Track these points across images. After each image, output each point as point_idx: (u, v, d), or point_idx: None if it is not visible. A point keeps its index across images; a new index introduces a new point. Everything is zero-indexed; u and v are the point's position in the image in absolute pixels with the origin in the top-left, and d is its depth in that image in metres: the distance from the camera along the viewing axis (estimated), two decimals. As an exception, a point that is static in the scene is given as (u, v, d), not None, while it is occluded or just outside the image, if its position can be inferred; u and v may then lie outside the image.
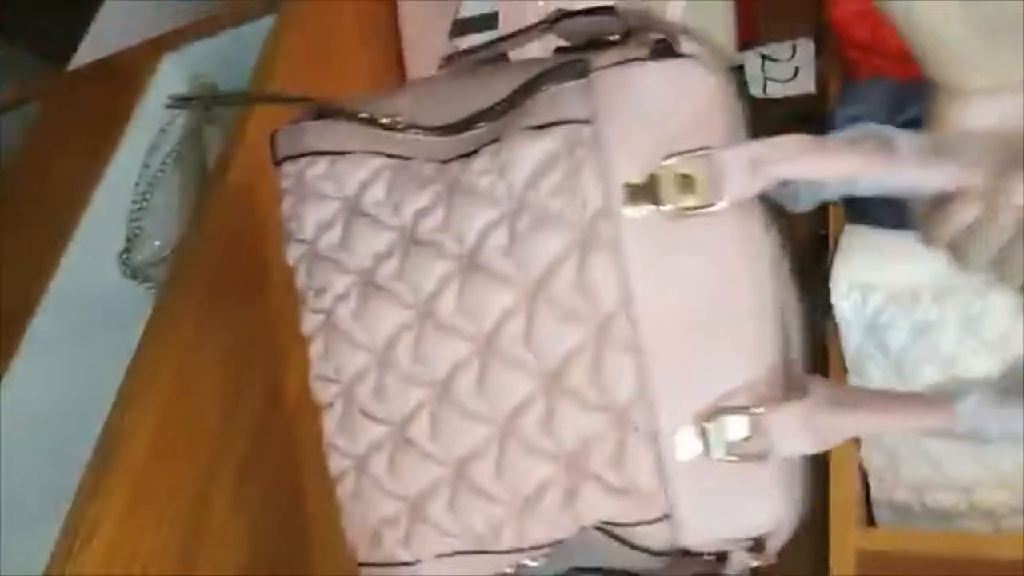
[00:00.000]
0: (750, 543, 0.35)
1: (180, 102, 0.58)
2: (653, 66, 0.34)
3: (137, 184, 0.65)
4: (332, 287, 0.40)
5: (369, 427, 0.39)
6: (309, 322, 0.41)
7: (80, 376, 0.55)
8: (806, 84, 0.64)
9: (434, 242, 0.38)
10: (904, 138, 0.33)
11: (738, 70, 0.64)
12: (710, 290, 0.33)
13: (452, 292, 0.37)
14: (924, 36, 0.34)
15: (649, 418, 0.34)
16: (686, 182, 0.33)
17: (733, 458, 0.33)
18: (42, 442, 0.55)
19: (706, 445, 0.33)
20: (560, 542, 0.37)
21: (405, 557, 0.39)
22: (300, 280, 0.41)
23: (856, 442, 0.46)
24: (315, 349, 0.41)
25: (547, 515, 0.36)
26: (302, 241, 0.41)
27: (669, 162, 0.33)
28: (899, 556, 0.43)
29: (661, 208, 0.33)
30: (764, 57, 0.66)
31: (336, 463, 0.41)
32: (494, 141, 0.37)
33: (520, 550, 0.37)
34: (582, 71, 0.35)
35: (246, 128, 0.52)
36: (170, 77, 0.63)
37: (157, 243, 0.65)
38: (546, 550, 0.37)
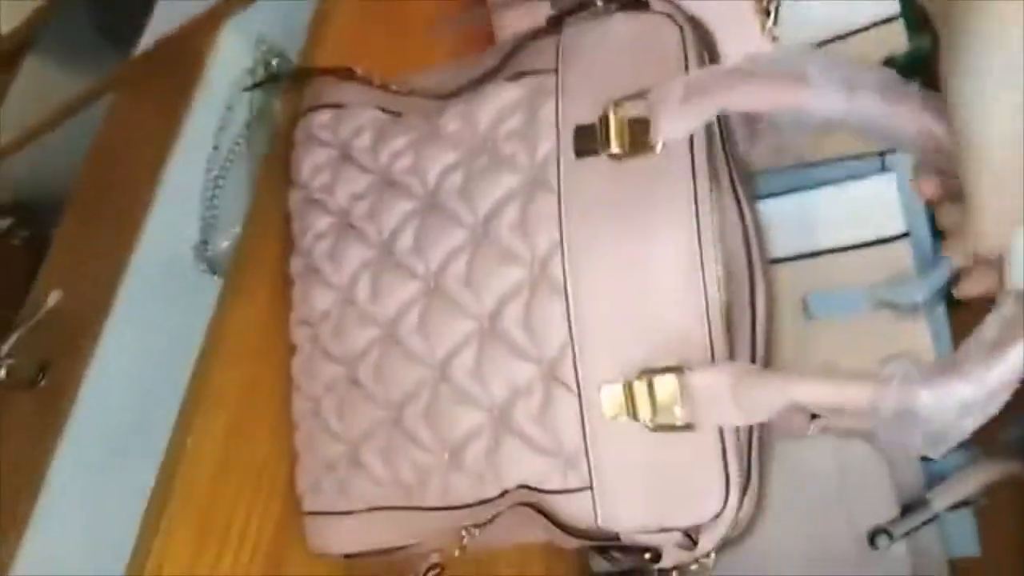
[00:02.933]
0: (680, 536, 0.33)
1: (251, 86, 0.60)
2: (619, 16, 0.34)
3: (208, 168, 0.61)
4: (314, 227, 0.41)
5: (326, 367, 0.40)
6: (294, 264, 0.42)
7: (154, 376, 0.50)
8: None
9: (403, 183, 0.38)
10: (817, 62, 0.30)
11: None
12: (644, 242, 0.32)
13: (411, 231, 0.37)
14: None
15: (575, 372, 0.33)
16: (633, 127, 0.32)
17: (659, 423, 0.31)
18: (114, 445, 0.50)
19: (632, 406, 0.31)
20: (487, 502, 0.35)
21: (341, 506, 0.39)
22: (294, 224, 0.43)
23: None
24: (296, 291, 0.42)
25: (471, 468, 0.35)
26: (298, 186, 0.43)
27: (616, 106, 0.32)
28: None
29: (606, 152, 0.32)
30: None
31: (297, 407, 0.42)
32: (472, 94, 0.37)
33: (448, 508, 0.36)
34: (557, 27, 0.36)
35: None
36: (232, 47, 0.62)
37: (237, 231, 0.56)
38: (471, 512, 0.36)
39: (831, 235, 0.51)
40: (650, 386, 0.31)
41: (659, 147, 0.32)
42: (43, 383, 0.54)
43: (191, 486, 0.40)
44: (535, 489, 0.34)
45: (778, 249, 0.52)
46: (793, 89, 0.30)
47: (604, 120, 0.32)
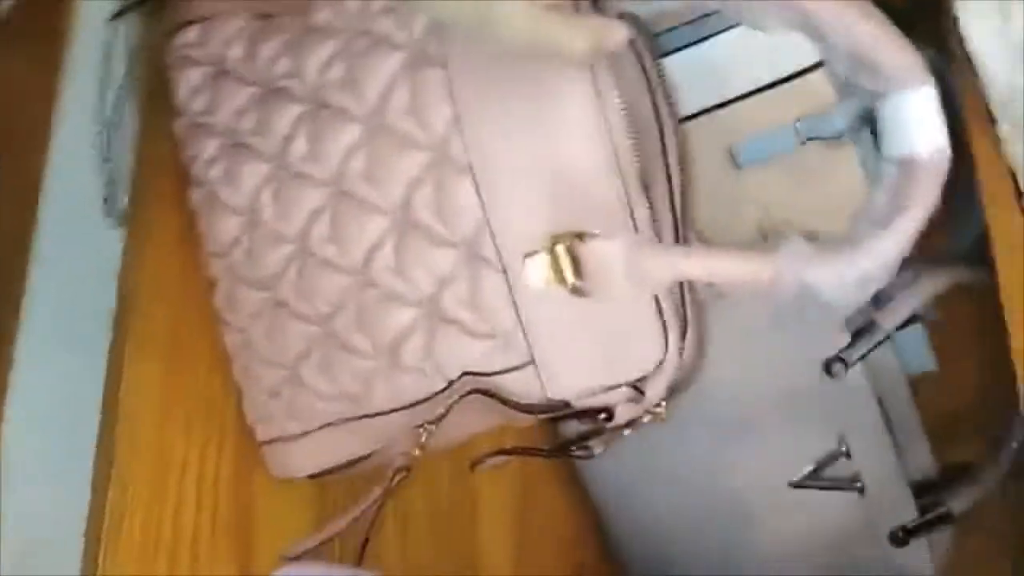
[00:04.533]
0: (628, 390, 0.33)
1: (118, 15, 0.57)
2: None
3: (98, 116, 0.57)
4: (204, 152, 0.39)
5: (246, 294, 0.38)
6: (193, 196, 0.40)
7: (80, 338, 0.48)
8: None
9: (285, 88, 0.36)
10: None
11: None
12: (540, 101, 0.30)
13: (303, 136, 0.35)
14: None
15: (495, 249, 0.32)
16: None
17: (578, 290, 0.30)
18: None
19: (558, 272, 0.31)
20: (436, 395, 0.35)
21: (293, 429, 0.38)
22: (184, 154, 0.41)
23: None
24: (201, 223, 0.40)
25: (412, 365, 0.34)
26: (180, 113, 0.40)
27: None
28: None
29: None
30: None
31: (228, 340, 0.40)
32: None
33: (398, 409, 0.36)
34: None
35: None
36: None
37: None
38: (423, 408, 0.35)
39: (745, 78, 0.50)
40: (570, 251, 0.30)
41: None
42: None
43: (135, 437, 0.39)
44: (479, 374, 0.34)
45: (693, 103, 0.51)
46: None
47: None
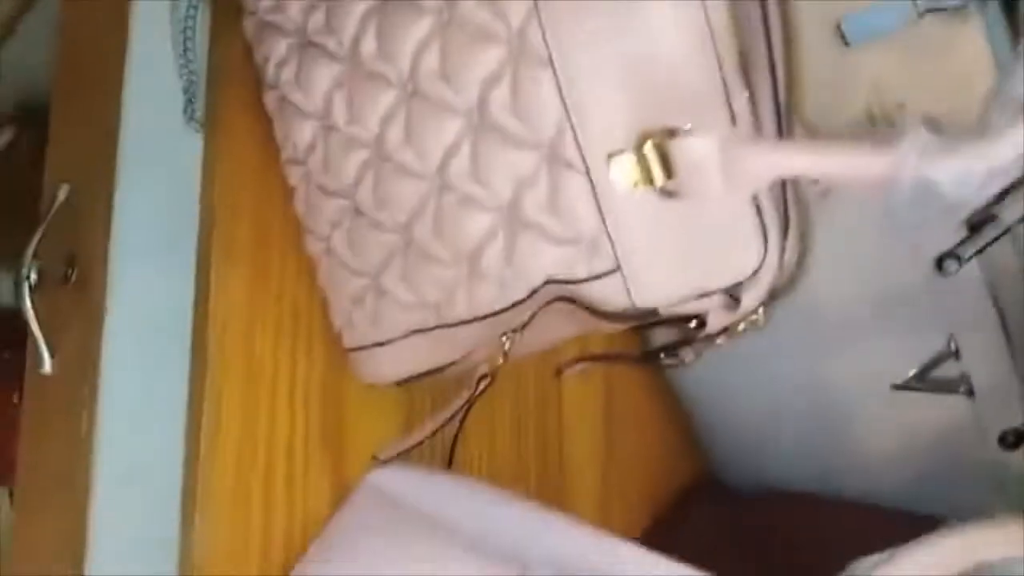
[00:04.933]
0: (722, 297, 0.31)
1: None
2: None
3: (174, 23, 0.55)
4: (274, 53, 0.37)
5: (326, 203, 0.37)
6: (267, 99, 0.39)
7: (169, 245, 0.48)
8: None
9: None
10: None
11: None
12: None
13: (372, 32, 0.33)
14: None
15: (578, 149, 0.30)
16: None
17: (668, 191, 0.28)
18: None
19: (646, 173, 0.28)
20: (518, 304, 0.34)
21: (377, 337, 0.38)
22: (256, 55, 0.39)
23: None
24: (277, 128, 0.39)
25: (493, 274, 0.33)
26: (249, 11, 0.39)
27: None
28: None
29: None
30: None
31: (311, 247, 0.40)
32: None
33: (480, 318, 0.35)
34: None
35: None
36: None
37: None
38: (505, 317, 0.34)
39: (855, -57, 0.45)
40: (660, 149, 0.28)
41: None
42: (73, 278, 0.53)
43: (225, 348, 0.39)
44: (563, 282, 0.32)
45: (798, -28, 0.46)
46: None
47: None
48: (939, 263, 0.45)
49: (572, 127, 0.30)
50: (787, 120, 0.31)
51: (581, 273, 0.32)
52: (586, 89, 0.29)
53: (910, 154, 0.26)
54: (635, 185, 0.29)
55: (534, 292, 0.33)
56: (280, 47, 0.37)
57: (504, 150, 0.31)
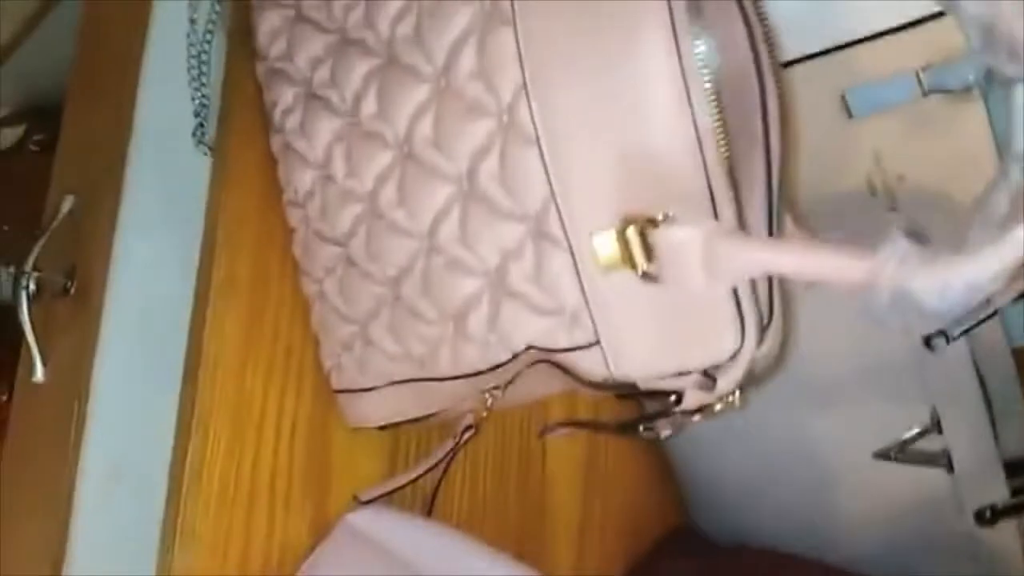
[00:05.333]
0: (699, 377, 0.32)
1: None
2: None
3: (190, 44, 0.55)
4: (281, 100, 0.38)
5: (321, 248, 0.38)
6: (273, 142, 0.40)
7: (170, 270, 0.48)
8: None
9: (359, 39, 0.35)
10: None
11: None
12: (614, 70, 0.28)
13: (373, 93, 0.34)
14: None
15: (562, 226, 0.30)
16: None
17: (649, 276, 0.29)
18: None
19: (627, 255, 0.29)
20: (500, 366, 0.34)
21: (363, 383, 0.39)
22: (265, 99, 0.40)
23: None
24: (280, 170, 0.40)
25: (477, 336, 0.34)
26: (261, 56, 0.40)
27: None
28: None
29: None
30: None
31: (306, 289, 0.41)
32: None
33: (463, 376, 0.35)
34: None
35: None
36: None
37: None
38: (488, 377, 0.35)
39: (862, 22, 0.45)
40: (642, 234, 0.29)
41: None
42: (72, 290, 0.54)
43: (216, 381, 0.40)
44: (544, 349, 0.33)
45: (805, 45, 0.47)
46: None
47: None
48: (927, 341, 0.45)
49: (556, 204, 0.30)
50: (777, 212, 0.31)
51: (562, 343, 0.32)
52: (571, 168, 0.30)
53: (889, 263, 0.26)
54: (616, 267, 0.30)
55: (516, 356, 0.34)
56: (287, 95, 0.38)
57: (491, 220, 0.32)
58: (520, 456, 0.47)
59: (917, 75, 0.46)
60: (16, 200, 0.81)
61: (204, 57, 0.58)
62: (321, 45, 0.36)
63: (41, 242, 0.55)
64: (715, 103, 0.28)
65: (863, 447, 0.48)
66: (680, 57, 0.28)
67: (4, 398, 0.80)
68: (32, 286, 0.53)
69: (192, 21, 0.59)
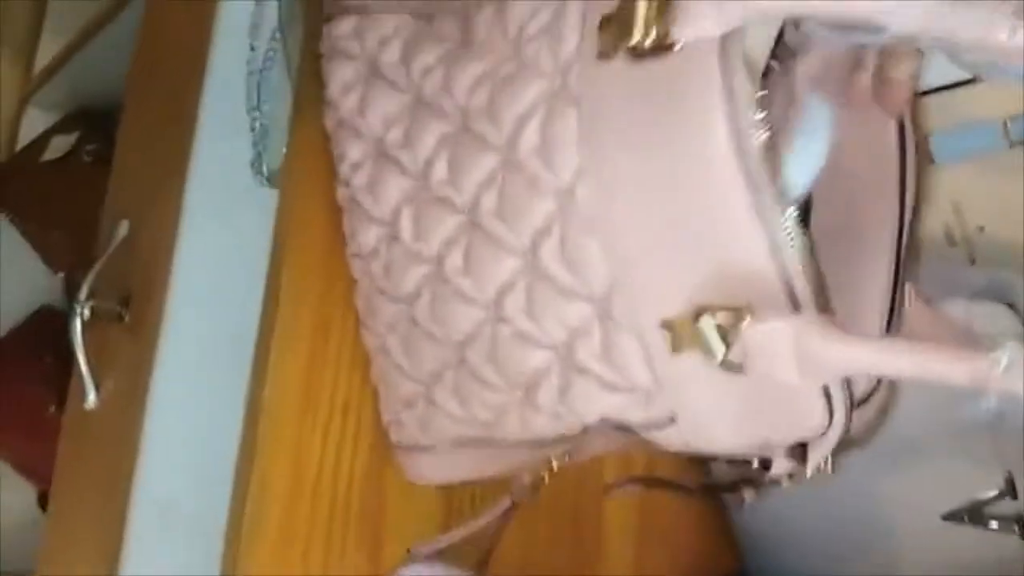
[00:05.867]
0: (787, 449, 0.30)
1: None
2: None
3: (249, 72, 0.56)
4: (349, 155, 0.37)
5: (384, 305, 0.37)
6: (339, 193, 0.39)
7: (229, 305, 0.48)
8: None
9: (435, 104, 0.34)
10: None
11: None
12: (676, 159, 0.26)
13: (444, 159, 0.33)
14: None
15: (629, 312, 0.29)
16: (659, 8, 0.25)
17: (731, 365, 0.27)
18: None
19: (701, 343, 0.27)
20: (568, 438, 0.33)
21: (423, 441, 0.38)
22: (333, 149, 0.39)
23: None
24: (345, 222, 0.39)
25: (546, 407, 0.33)
26: (331, 105, 0.39)
27: None
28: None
29: (625, 45, 0.26)
30: None
31: (367, 342, 0.40)
32: None
33: (530, 442, 0.34)
34: None
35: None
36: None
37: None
38: (558, 444, 0.34)
39: (952, 68, 0.43)
40: (719, 324, 0.27)
41: (679, 46, 0.25)
42: (127, 319, 0.54)
43: (275, 433, 0.39)
44: (618, 422, 0.32)
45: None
46: None
47: (623, 8, 0.26)
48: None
49: (620, 290, 0.29)
50: (897, 315, 0.30)
51: (637, 418, 0.31)
52: (634, 257, 0.28)
53: (995, 367, 0.25)
54: (690, 355, 0.28)
55: (587, 428, 0.33)
56: (355, 151, 0.37)
57: (556, 298, 0.31)
58: (575, 507, 0.46)
59: (1004, 124, 0.44)
60: (69, 210, 0.81)
61: (263, 84, 0.57)
62: (396, 104, 0.35)
63: (96, 268, 0.55)
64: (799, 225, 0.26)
65: (933, 509, 0.46)
66: (742, 153, 0.26)
67: (53, 408, 0.81)
68: (87, 313, 0.53)
69: (252, 48, 0.59)
